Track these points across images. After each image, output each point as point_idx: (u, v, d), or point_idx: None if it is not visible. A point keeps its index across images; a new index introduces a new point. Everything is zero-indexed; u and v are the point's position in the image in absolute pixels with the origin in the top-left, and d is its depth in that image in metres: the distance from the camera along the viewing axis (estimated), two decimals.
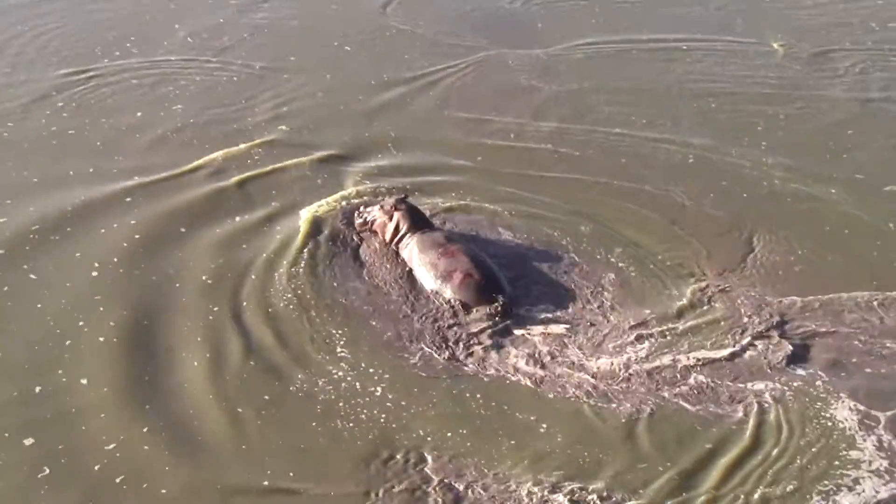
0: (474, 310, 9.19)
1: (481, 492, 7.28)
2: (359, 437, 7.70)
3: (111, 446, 7.55)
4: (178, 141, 12.04)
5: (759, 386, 8.34)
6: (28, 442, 7.58)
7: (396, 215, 10.01)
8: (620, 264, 9.87)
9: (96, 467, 7.39)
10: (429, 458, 7.54)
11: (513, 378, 8.35)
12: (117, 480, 7.27)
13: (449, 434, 7.74)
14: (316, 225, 10.32)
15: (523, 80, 13.84)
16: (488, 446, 7.65)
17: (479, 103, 13.19)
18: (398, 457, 7.53)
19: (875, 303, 9.32)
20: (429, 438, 7.71)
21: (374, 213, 10.19)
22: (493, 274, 9.57)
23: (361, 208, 10.44)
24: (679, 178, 11.37)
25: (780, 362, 8.59)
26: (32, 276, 9.41)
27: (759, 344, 8.80)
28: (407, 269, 9.78)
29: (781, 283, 9.59)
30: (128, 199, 10.72)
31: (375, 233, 10.16)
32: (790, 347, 8.73)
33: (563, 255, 10.04)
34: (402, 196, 10.35)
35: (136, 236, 10.07)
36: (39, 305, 9.03)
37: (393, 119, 12.74)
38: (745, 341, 8.83)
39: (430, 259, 9.61)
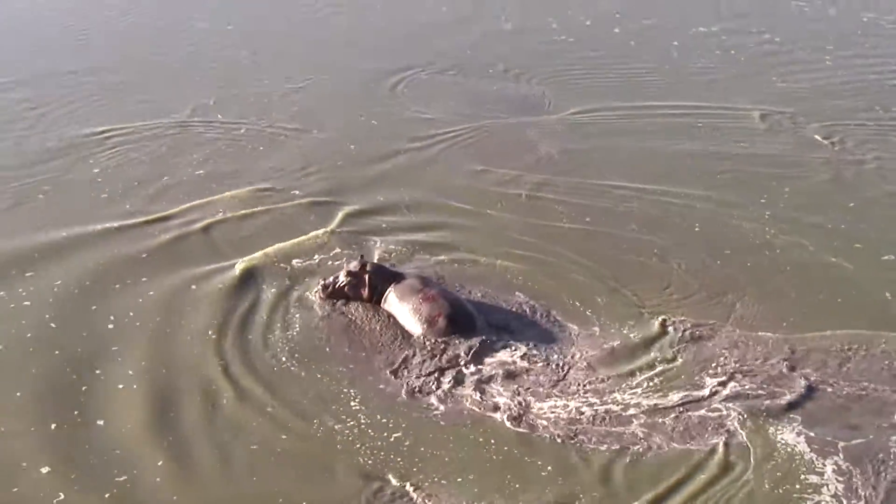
0: (458, 343, 10.02)
1: None
2: (370, 475, 8.31)
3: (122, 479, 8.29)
4: (180, 190, 13.01)
5: (725, 420, 8.95)
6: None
7: (366, 276, 10.68)
8: (602, 312, 10.53)
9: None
10: (417, 497, 8.11)
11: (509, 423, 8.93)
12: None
13: (459, 479, 8.26)
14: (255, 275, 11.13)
15: (533, 140, 14.64)
16: (493, 490, 8.15)
17: (489, 158, 14.02)
18: (388, 492, 8.13)
19: (846, 345, 9.92)
20: (443, 482, 8.24)
21: (342, 279, 10.74)
22: (470, 313, 10.41)
23: (324, 279, 10.90)
24: (685, 241, 11.92)
25: (746, 399, 9.21)
26: None
27: (726, 385, 9.43)
28: (390, 316, 10.50)
29: (764, 339, 10.10)
30: (113, 238, 11.81)
31: (347, 296, 10.73)
32: (760, 386, 9.38)
33: (551, 298, 10.75)
34: (361, 256, 11.09)
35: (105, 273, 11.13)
36: None
37: (401, 171, 13.72)
38: (712, 382, 9.47)
39: (412, 306, 10.33)
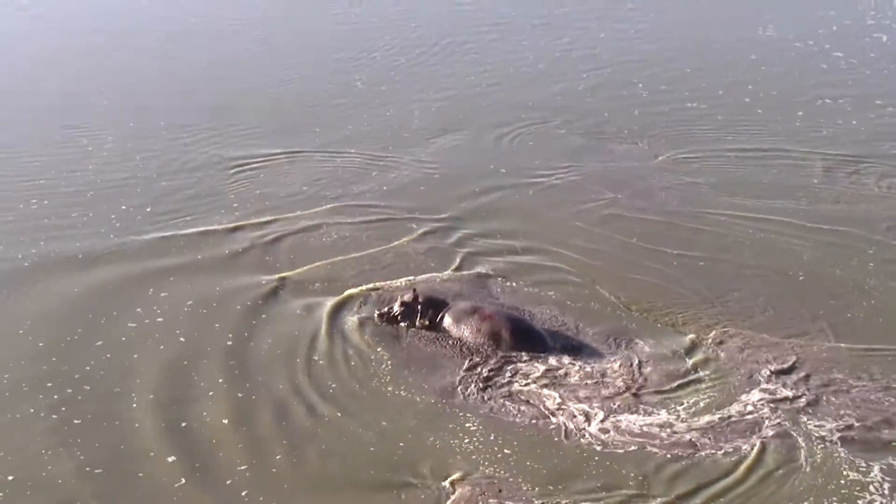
0: (525, 358, 11.16)
1: None
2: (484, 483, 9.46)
3: (242, 467, 9.70)
4: (290, 202, 15.14)
5: (770, 423, 10.14)
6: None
7: (420, 305, 11.86)
8: (679, 338, 11.62)
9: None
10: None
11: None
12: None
13: (550, 487, 9.37)
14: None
15: (639, 174, 16.12)
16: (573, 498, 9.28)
17: (597, 188, 15.62)
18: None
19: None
20: (536, 490, 9.36)
21: (396, 309, 11.91)
22: (531, 326, 11.56)
23: (380, 309, 12.05)
24: (790, 293, 12.69)
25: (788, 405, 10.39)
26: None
27: (770, 392, 10.64)
28: (448, 338, 11.64)
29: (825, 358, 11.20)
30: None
31: (398, 321, 11.85)
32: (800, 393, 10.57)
33: (633, 318, 12.04)
34: (413, 289, 12.13)
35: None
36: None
37: (506, 198, 15.46)
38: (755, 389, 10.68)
39: (473, 326, 11.48)
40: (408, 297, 11.96)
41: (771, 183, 15.85)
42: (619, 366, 11.06)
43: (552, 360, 11.10)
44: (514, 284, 12.74)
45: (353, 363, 11.21)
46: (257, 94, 20.36)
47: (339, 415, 10.35)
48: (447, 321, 11.74)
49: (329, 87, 20.65)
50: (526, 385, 10.73)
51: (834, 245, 13.70)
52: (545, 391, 10.64)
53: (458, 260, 13.34)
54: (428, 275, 13.02)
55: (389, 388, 10.75)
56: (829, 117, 18.69)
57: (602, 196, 15.26)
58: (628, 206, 14.90)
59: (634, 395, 10.59)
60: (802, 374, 10.87)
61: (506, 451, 9.77)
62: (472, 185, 15.79)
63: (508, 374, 10.93)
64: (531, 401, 10.48)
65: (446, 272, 13.10)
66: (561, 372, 10.91)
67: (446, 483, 9.34)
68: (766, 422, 10.16)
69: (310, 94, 20.33)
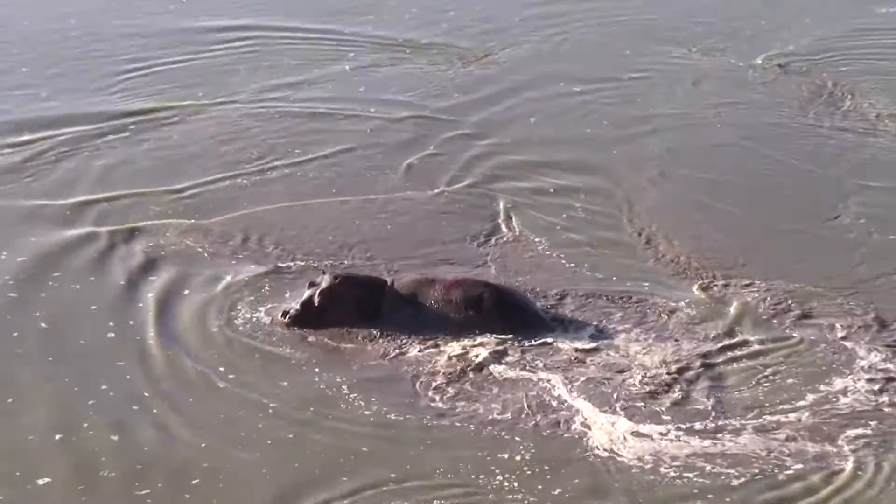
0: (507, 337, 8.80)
1: None
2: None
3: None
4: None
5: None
6: None
7: (349, 291, 8.82)
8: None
9: None
10: None
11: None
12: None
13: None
14: None
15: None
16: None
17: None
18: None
19: None
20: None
21: (316, 298, 8.71)
22: (513, 290, 9.14)
23: (285, 310, 8.90)
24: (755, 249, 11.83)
25: None
26: None
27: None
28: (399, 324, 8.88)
29: None
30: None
31: (326, 321, 8.80)
32: None
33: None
34: (323, 272, 9.13)
35: None
36: None
37: None
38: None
39: (438, 297, 8.87)
40: (325, 281, 8.79)
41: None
42: (645, 351, 8.97)
43: (553, 343, 8.84)
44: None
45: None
46: None
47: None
48: (395, 303, 8.82)
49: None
50: (517, 378, 8.47)
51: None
52: (549, 391, 8.41)
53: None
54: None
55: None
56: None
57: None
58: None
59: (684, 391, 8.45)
60: None
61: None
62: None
63: (491, 363, 8.60)
64: (530, 404, 8.24)
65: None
66: (565, 358, 8.71)
67: None
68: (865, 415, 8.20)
69: None
